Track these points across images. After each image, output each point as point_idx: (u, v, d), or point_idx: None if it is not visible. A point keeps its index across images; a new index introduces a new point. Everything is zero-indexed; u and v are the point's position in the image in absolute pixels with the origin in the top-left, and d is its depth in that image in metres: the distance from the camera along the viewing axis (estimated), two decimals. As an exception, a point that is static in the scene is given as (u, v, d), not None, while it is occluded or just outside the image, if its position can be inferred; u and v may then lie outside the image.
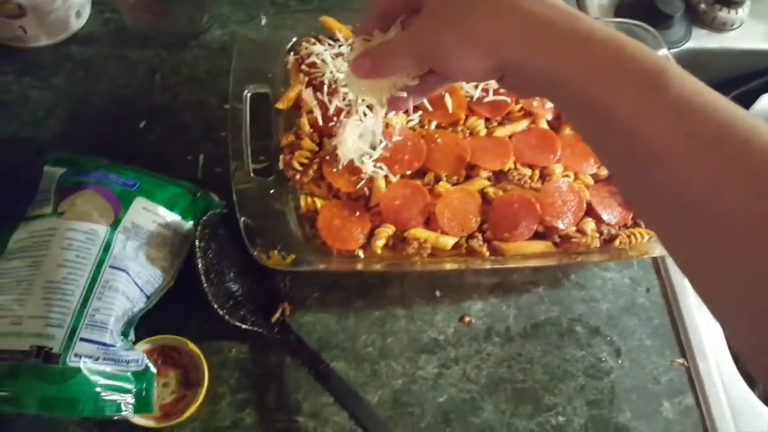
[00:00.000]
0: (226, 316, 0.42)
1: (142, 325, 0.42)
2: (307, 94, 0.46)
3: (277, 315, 0.44)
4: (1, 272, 0.39)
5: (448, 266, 0.44)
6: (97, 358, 0.37)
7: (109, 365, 0.38)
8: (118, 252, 0.39)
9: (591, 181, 0.48)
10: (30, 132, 0.48)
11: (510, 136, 0.47)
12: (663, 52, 0.54)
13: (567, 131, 0.49)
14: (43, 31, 0.50)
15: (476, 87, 0.48)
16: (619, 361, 0.47)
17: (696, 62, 0.63)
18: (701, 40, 0.63)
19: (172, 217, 0.43)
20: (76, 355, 0.36)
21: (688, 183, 0.24)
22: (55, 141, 0.48)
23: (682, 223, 0.25)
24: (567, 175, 0.47)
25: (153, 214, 0.42)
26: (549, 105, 0.49)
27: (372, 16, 0.33)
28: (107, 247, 0.39)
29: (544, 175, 0.47)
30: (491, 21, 0.28)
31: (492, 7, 0.28)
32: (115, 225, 0.40)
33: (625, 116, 0.25)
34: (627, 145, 0.26)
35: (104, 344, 0.38)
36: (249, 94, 0.47)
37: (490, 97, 0.47)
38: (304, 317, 0.46)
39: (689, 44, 0.63)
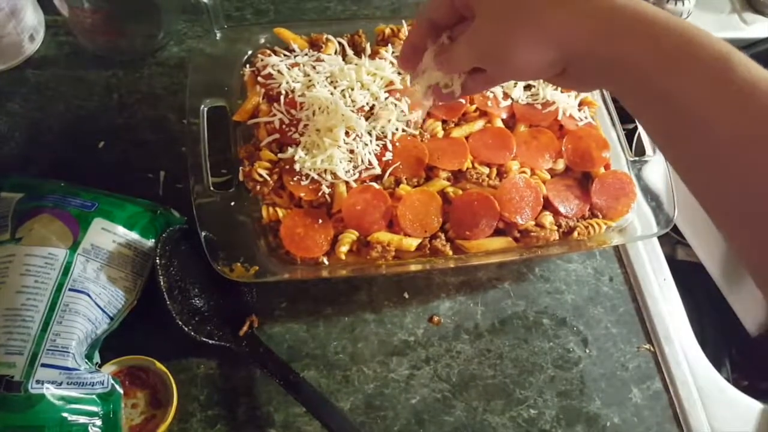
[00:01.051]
0: (192, 333, 0.42)
1: (107, 347, 0.42)
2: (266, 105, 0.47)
3: (245, 328, 0.44)
4: (-42, 302, 0.38)
5: (413, 267, 0.45)
6: (61, 383, 0.37)
7: (73, 389, 0.37)
8: (78, 274, 0.39)
9: (547, 176, 0.49)
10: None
11: (467, 137, 0.48)
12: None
13: (521, 128, 0.50)
14: (-6, 56, 0.50)
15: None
16: (587, 351, 0.48)
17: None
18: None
19: (132, 236, 0.43)
20: (38, 382, 0.36)
21: (754, 167, 0.25)
22: (13, 165, 0.48)
23: (745, 205, 0.26)
24: (524, 172, 0.48)
25: (112, 234, 0.42)
26: (504, 104, 0.50)
27: (422, 25, 0.36)
28: (66, 270, 0.39)
29: (502, 173, 0.47)
30: (555, 12, 0.29)
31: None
32: (74, 247, 0.40)
33: (694, 103, 0.26)
34: (694, 131, 0.27)
35: (67, 368, 0.37)
36: (206, 109, 0.47)
37: (446, 99, 0.48)
38: (273, 328, 0.46)
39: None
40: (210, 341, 0.43)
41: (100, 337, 0.40)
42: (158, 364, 0.41)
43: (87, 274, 0.40)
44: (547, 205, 0.47)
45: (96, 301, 0.39)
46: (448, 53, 0.35)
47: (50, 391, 0.36)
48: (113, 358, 0.41)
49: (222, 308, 0.45)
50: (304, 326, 0.46)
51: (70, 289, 0.38)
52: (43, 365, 0.36)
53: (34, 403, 0.36)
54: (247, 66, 0.50)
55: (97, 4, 0.48)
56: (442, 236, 0.45)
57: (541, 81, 0.51)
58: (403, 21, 0.52)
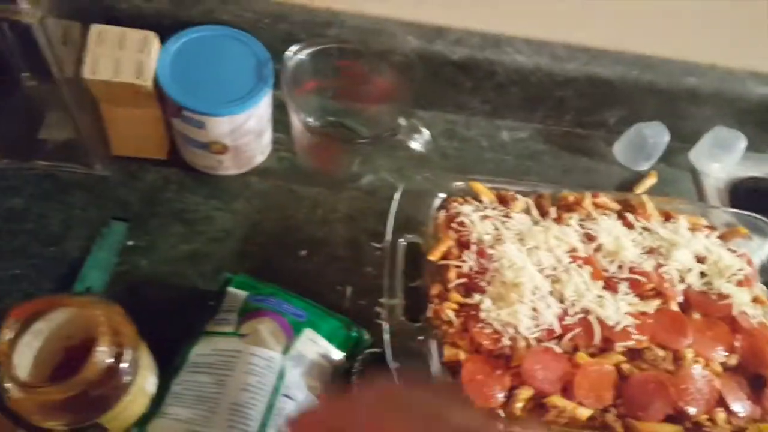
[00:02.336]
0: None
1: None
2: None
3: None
4: (183, 383, 0.44)
5: (580, 436, 0.46)
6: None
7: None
8: (289, 380, 0.44)
9: (720, 369, 0.49)
10: (211, 248, 0.56)
11: (642, 314, 0.50)
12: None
13: (696, 316, 0.51)
14: (234, 163, 0.60)
15: (611, 263, 0.52)
16: None
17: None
18: (815, 231, 0.66)
19: (331, 349, 0.47)
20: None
21: None
22: (230, 259, 0.56)
23: None
24: (697, 361, 0.49)
25: (317, 345, 0.47)
26: (679, 287, 0.52)
27: None
28: (281, 375, 0.44)
29: (676, 359, 0.49)
30: None
31: None
32: (286, 352, 0.45)
33: None
34: None
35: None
36: (405, 243, 0.53)
37: (626, 274, 0.52)
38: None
39: (803, 235, 0.66)
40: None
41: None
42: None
43: (295, 380, 0.44)
44: (720, 400, 0.47)
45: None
46: None
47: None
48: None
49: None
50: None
51: (283, 395, 0.43)
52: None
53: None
54: (442, 210, 0.56)
55: (319, 138, 0.58)
56: (614, 411, 0.46)
57: (716, 271, 0.53)
58: (587, 192, 0.57)
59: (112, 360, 0.35)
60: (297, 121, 0.56)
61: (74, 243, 0.54)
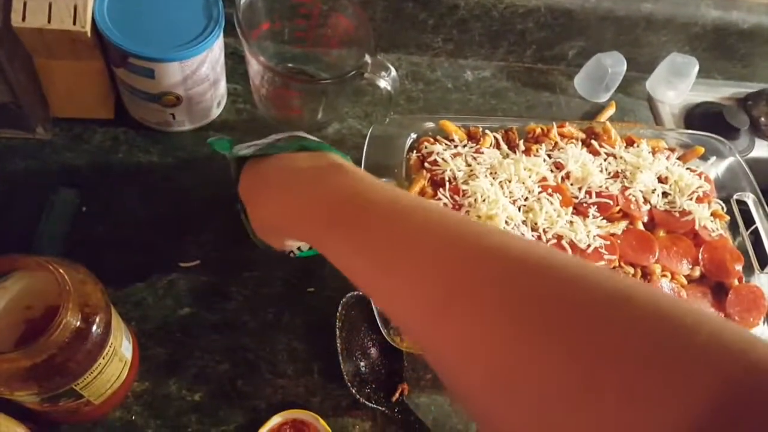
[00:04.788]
0: (357, 395, 0.45)
1: (272, 398, 0.45)
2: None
3: (397, 395, 0.47)
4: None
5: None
6: None
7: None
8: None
9: (685, 282, 0.52)
10: (172, 209, 0.53)
11: (611, 235, 0.52)
12: (734, 158, 0.60)
13: (661, 233, 0.53)
14: (188, 117, 0.56)
15: (580, 189, 0.53)
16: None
17: (758, 169, 0.69)
18: (763, 150, 0.70)
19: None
20: None
21: None
22: (195, 220, 0.53)
23: None
24: (665, 275, 0.51)
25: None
26: (644, 208, 0.54)
27: None
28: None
29: (645, 275, 0.51)
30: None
31: None
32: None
33: None
34: None
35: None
36: (377, 186, 0.52)
37: (594, 199, 0.53)
38: (420, 398, 0.49)
39: (753, 153, 0.69)
40: (369, 403, 0.45)
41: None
42: (322, 421, 0.44)
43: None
44: (687, 309, 0.50)
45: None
46: None
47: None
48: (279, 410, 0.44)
49: (378, 372, 0.48)
50: (448, 400, 0.49)
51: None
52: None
53: None
54: (414, 152, 0.55)
55: (280, 83, 0.55)
56: (591, 329, 0.48)
57: (678, 190, 0.55)
58: (554, 122, 0.57)
59: (80, 323, 0.33)
60: (255, 64, 0.53)
61: (20, 214, 0.50)
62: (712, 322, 0.20)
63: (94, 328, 0.34)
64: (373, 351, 0.48)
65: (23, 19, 0.45)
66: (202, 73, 0.51)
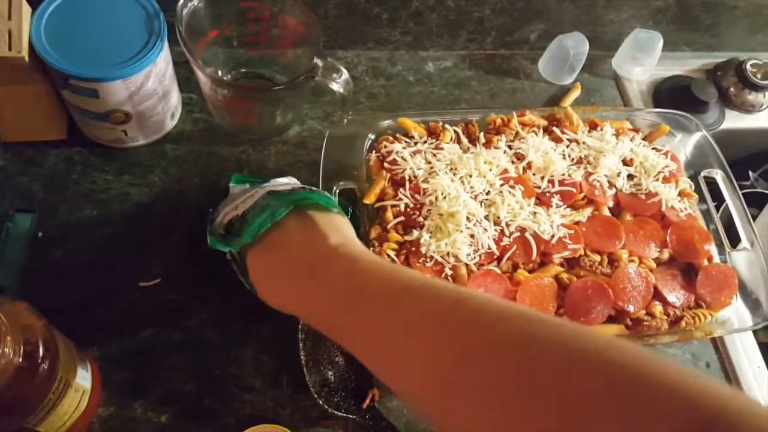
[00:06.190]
0: (325, 405, 0.45)
1: (240, 413, 0.44)
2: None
3: (367, 401, 0.47)
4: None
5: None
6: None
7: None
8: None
9: (653, 265, 0.51)
10: (131, 228, 0.52)
11: (576, 224, 0.51)
12: (701, 134, 0.59)
13: (627, 218, 0.53)
14: (141, 133, 0.55)
15: (542, 179, 0.52)
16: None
17: (730, 140, 0.68)
18: (733, 120, 0.69)
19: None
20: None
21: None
22: (156, 237, 0.52)
23: None
24: (633, 260, 0.50)
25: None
26: (609, 192, 0.53)
27: None
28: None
29: (612, 261, 0.50)
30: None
31: None
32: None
33: None
34: None
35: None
36: (338, 190, 0.51)
37: (557, 188, 0.52)
38: (392, 402, 0.48)
39: (723, 125, 0.68)
40: (338, 413, 0.45)
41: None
42: (291, 434, 0.44)
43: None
44: (656, 294, 0.49)
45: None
46: None
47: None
48: (247, 426, 0.44)
49: (347, 380, 0.47)
50: (421, 400, 0.48)
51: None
52: None
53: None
54: (373, 152, 0.54)
55: (231, 93, 0.54)
56: (558, 321, 0.47)
57: (643, 171, 0.54)
58: (513, 112, 0.56)
59: (22, 360, 0.32)
60: (203, 75, 0.51)
61: (-25, 244, 0.49)
62: (678, 373, 0.23)
63: (40, 363, 0.34)
64: (340, 359, 0.47)
65: (-46, 49, 0.43)
66: (148, 88, 0.50)
